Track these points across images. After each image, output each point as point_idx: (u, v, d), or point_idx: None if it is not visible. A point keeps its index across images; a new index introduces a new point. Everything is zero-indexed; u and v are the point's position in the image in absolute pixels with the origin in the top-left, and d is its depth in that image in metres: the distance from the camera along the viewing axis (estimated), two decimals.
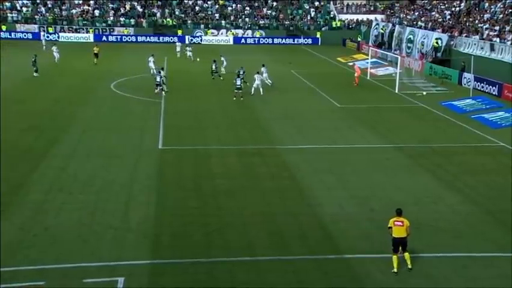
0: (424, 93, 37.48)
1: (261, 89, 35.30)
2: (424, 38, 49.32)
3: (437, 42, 47.40)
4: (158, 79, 34.35)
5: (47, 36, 63.31)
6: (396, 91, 37.78)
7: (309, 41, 69.34)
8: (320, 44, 68.79)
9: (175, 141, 25.07)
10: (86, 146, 23.89)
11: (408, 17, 62.64)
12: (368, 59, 48.50)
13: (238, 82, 33.71)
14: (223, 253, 14.73)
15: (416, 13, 62.16)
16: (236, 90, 33.67)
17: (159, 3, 72.10)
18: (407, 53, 51.42)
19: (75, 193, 18.47)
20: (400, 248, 13.91)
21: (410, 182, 20.46)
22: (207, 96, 34.89)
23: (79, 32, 66.29)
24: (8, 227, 15.84)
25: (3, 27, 64.64)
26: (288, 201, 18.45)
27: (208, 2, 73.56)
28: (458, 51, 44.80)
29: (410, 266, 13.96)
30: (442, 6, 58.69)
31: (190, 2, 73.35)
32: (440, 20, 54.98)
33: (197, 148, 24.03)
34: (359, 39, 65.56)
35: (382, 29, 59.79)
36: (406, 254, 13.97)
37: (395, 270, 13.80)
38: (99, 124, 27.67)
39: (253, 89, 35.07)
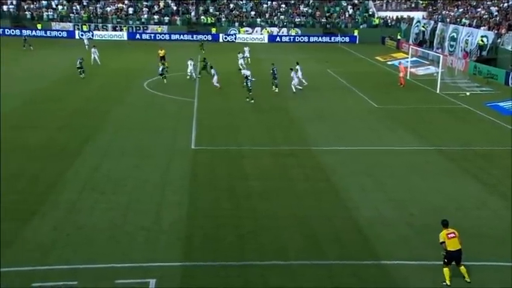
0: (467, 93, 36.28)
1: (293, 87, 34.88)
2: (468, 36, 47.83)
3: (482, 40, 45.88)
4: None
5: (82, 34, 64.21)
6: (438, 91, 36.71)
7: (347, 39, 68.36)
8: (357, 42, 67.74)
9: (207, 141, 24.88)
10: (119, 145, 23.94)
11: (452, 14, 60.92)
12: (408, 57, 47.37)
13: (249, 84, 33.05)
14: (256, 256, 14.47)
15: (460, 10, 60.40)
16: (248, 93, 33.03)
17: (193, 0, 72.35)
18: (449, 52, 50.00)
19: (108, 193, 18.46)
20: (447, 272, 13.19)
21: (452, 186, 19.71)
22: (239, 96, 34.60)
23: (113, 30, 67.08)
24: (42, 226, 15.94)
25: (39, 26, 65.99)
26: (323, 203, 18.02)
27: (243, 0, 73.40)
28: (506, 50, 43.23)
29: (469, 280, 13.29)
30: (488, 2, 56.82)
31: (225, 0, 73.35)
32: (486, 16, 53.22)
33: (230, 148, 23.78)
34: (398, 37, 64.25)
35: (423, 26, 58.37)
36: (463, 268, 13.26)
37: (448, 282, 13.15)
38: (132, 123, 27.75)
39: (293, 88, 34.95)
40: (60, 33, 65.96)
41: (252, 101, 32.41)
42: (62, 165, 20.96)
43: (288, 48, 61.29)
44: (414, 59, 48.71)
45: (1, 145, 23.23)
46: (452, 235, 13.17)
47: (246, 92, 33.09)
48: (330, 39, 68.17)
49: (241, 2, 73.24)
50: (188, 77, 39.60)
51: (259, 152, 23.25)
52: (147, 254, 14.45)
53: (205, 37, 65.68)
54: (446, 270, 13.21)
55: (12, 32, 64.82)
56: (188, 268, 13.87)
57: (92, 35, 65.65)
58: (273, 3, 73.24)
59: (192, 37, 66.78)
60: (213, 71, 36.51)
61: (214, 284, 13.17)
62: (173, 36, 66.87)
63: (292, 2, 73.64)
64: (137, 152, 22.90)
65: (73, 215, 16.72)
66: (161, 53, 44.08)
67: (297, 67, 37.54)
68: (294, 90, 34.95)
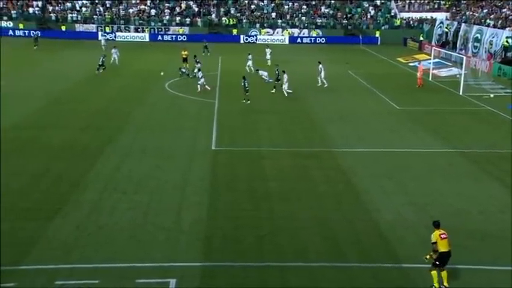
0: (491, 95, 35.73)
1: (284, 92, 34.47)
2: (493, 37, 47.11)
3: (507, 41, 45.15)
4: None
5: (105, 35, 64.85)
6: (461, 93, 36.24)
7: (368, 40, 67.85)
8: (379, 43, 67.20)
9: (228, 142, 24.95)
10: (140, 145, 24.15)
11: (476, 14, 60.06)
12: (430, 59, 46.86)
13: (246, 85, 32.40)
14: (275, 257, 14.47)
15: (485, 10, 59.52)
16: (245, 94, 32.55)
17: (215, 2, 72.59)
18: (473, 53, 49.33)
19: (129, 193, 18.63)
20: (436, 275, 13.01)
21: (475, 189, 19.44)
22: (259, 97, 34.60)
23: (135, 32, 67.62)
24: (65, 225, 16.15)
25: (63, 27, 66.87)
26: (344, 205, 17.93)
27: (264, 1, 73.40)
28: None
29: (447, 285, 13.05)
30: None
31: (246, 1, 73.43)
32: None
33: (250, 149, 23.80)
34: (421, 38, 63.55)
35: (447, 27, 57.67)
36: (444, 273, 13.05)
37: (436, 285, 13.04)
38: (153, 124, 27.96)
39: (285, 92, 34.42)
40: (84, 35, 66.60)
41: (248, 101, 32.18)
42: (85, 165, 21.23)
43: (309, 50, 61.11)
44: (436, 60, 48.18)
45: (26, 145, 23.71)
46: (444, 236, 13.00)
47: (258, 91, 33.13)
48: (351, 40, 67.69)
49: (262, 3, 73.25)
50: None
51: (279, 153, 23.23)
52: (167, 253, 14.56)
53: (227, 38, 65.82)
54: (434, 273, 13.05)
55: (33, 33, 65.73)
56: (208, 268, 13.93)
57: (115, 36, 66.31)
58: (294, 4, 73.09)
59: (213, 38, 66.64)
60: (200, 74, 36.10)
61: (233, 285, 13.20)
62: (195, 38, 67.05)
63: (314, 3, 73.39)
64: (158, 153, 23.07)
65: (94, 214, 16.91)
66: (184, 54, 44.34)
67: (320, 66, 37.52)
68: (286, 95, 34.26)
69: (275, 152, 23.40)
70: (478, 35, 49.56)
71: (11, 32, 65.59)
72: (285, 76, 34.49)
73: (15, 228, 15.84)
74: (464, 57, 40.63)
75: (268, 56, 47.20)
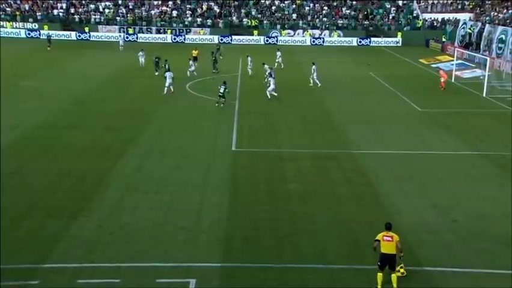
0: None
1: (268, 94, 34.00)
2: None
3: None
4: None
5: (126, 37, 65.37)
6: (484, 95, 35.73)
7: (390, 41, 67.32)
8: (401, 44, 66.60)
9: (248, 143, 24.98)
10: (161, 146, 24.31)
11: (501, 15, 59.12)
12: (453, 60, 46.27)
13: (221, 90, 31.36)
14: (295, 259, 14.46)
15: (510, 11, 58.54)
16: (219, 98, 31.53)
17: (236, 3, 72.74)
18: (497, 54, 48.55)
19: (150, 193, 18.77)
20: (389, 266, 12.96)
21: (499, 193, 19.12)
22: (280, 98, 34.56)
23: (157, 33, 68.04)
24: (87, 224, 16.34)
25: (86, 29, 67.71)
26: (364, 208, 17.80)
27: (285, 2, 73.33)
28: None
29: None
30: None
31: (267, 2, 73.43)
32: None
33: (270, 151, 23.79)
34: (443, 39, 62.80)
35: (470, 28, 56.88)
36: (393, 276, 12.94)
37: (378, 286, 12.93)
38: (174, 124, 28.13)
39: (268, 94, 33.98)
40: (107, 36, 67.19)
41: (222, 105, 31.37)
42: (107, 164, 21.46)
43: (330, 51, 60.84)
44: (459, 61, 47.52)
45: (50, 145, 24.06)
46: (388, 239, 12.98)
47: (278, 92, 32.99)
48: (373, 41, 67.20)
49: (283, 5, 73.19)
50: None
51: (299, 155, 23.18)
52: (187, 253, 14.63)
53: (248, 40, 65.78)
54: (379, 275, 12.96)
55: (62, 35, 66.72)
56: (228, 269, 13.96)
57: (137, 38, 66.87)
58: (315, 5, 72.88)
59: (231, 40, 66.69)
60: (168, 74, 35.17)
61: (252, 286, 13.21)
62: (216, 39, 67.26)
63: (335, 4, 73.08)
64: (178, 153, 23.20)
65: (116, 213, 17.09)
66: (195, 53, 44.80)
67: (313, 67, 37.58)
68: (269, 97, 33.76)
69: (295, 154, 23.35)
70: (503, 36, 48.77)
71: (33, 34, 66.43)
72: (271, 80, 34.33)
73: (39, 226, 16.09)
74: (488, 59, 40.04)
75: (279, 60, 46.22)
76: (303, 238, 15.62)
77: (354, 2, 72.96)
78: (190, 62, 41.69)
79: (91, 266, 13.94)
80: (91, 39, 66.40)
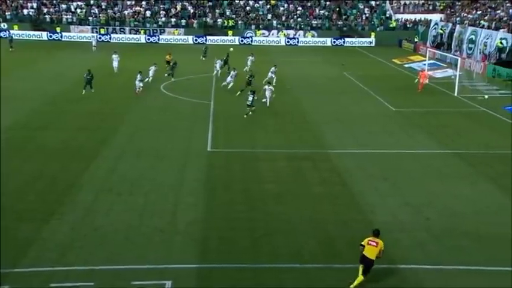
0: (486, 96, 35.84)
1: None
2: (487, 38, 47.26)
3: (501, 43, 45.31)
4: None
5: (99, 38, 64.49)
6: (456, 94, 36.38)
7: (363, 41, 67.98)
8: (374, 44, 67.33)
9: (224, 144, 24.94)
10: (135, 147, 24.10)
11: (470, 16, 60.29)
12: (425, 60, 46.98)
13: (250, 99, 29.55)
14: (271, 259, 14.48)
15: (479, 12, 59.75)
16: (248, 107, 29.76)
17: (210, 3, 72.53)
18: (468, 54, 49.47)
19: (124, 194, 18.59)
20: (361, 268, 13.15)
21: (470, 191, 19.50)
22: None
23: (131, 33, 67.34)
24: (61, 226, 16.10)
25: (58, 29, 66.62)
26: (339, 207, 17.94)
27: (260, 2, 73.40)
28: None
29: (352, 287, 13.12)
30: (508, 4, 56.09)
31: (241, 2, 73.41)
32: (506, 18, 52.55)
33: (246, 151, 23.79)
34: (416, 40, 63.72)
35: (441, 29, 57.83)
36: (361, 277, 13.11)
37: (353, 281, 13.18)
38: (148, 125, 27.91)
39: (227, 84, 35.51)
40: (79, 37, 66.23)
41: (251, 113, 30.27)
42: (80, 166, 21.16)
43: (304, 51, 61.14)
44: (431, 61, 48.28)
45: (21, 146, 23.64)
46: (373, 243, 13.19)
47: None
48: (347, 42, 67.77)
49: (257, 5, 73.27)
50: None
51: (275, 155, 23.23)
52: (163, 255, 14.54)
53: (222, 40, 65.48)
54: (359, 269, 13.18)
55: (31, 35, 65.55)
56: (204, 270, 13.92)
57: (110, 38, 66.11)
58: (290, 6, 73.16)
59: (206, 40, 66.37)
60: (139, 77, 35.12)
61: (228, 286, 13.19)
62: (190, 40, 66.94)
63: (309, 4, 73.49)
64: (153, 154, 23.02)
65: (90, 216, 16.87)
66: (169, 58, 43.89)
67: (273, 69, 37.92)
68: (228, 86, 35.30)
69: (271, 154, 23.39)
70: (473, 37, 49.73)
71: (1, 34, 64.90)
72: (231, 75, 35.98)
73: (11, 229, 15.77)
74: (459, 59, 40.82)
75: (249, 63, 44.75)
76: (279, 238, 15.65)
77: (328, 3, 73.46)
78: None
79: (64, 270, 13.73)
80: (63, 39, 65.37)
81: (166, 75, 40.15)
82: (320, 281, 13.50)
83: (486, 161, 22.73)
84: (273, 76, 37.96)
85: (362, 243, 13.35)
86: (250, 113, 29.63)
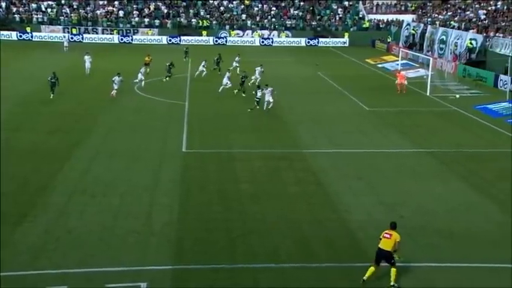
0: (457, 96, 36.50)
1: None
2: (458, 39, 48.12)
3: (471, 43, 46.20)
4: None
5: (71, 38, 63.50)
6: (428, 94, 36.95)
7: (337, 41, 68.49)
8: (348, 45, 67.90)
9: (199, 144, 24.85)
10: (109, 148, 23.85)
11: (441, 17, 61.35)
12: (398, 60, 47.59)
13: (259, 94, 30.54)
14: (247, 259, 14.47)
15: (449, 13, 60.84)
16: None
17: (184, 4, 72.17)
18: (439, 55, 50.27)
19: (98, 196, 18.36)
20: (385, 261, 13.29)
21: (442, 189, 19.79)
22: (231, 99, 34.59)
23: (103, 33, 66.53)
24: (33, 229, 15.82)
25: (28, 29, 65.43)
26: (315, 207, 18.03)
27: (234, 2, 73.34)
28: (494, 53, 43.55)
29: (392, 283, 13.20)
30: (476, 6, 57.25)
31: (216, 3, 73.25)
32: (475, 19, 53.62)
33: (221, 151, 23.75)
34: (388, 40, 64.51)
35: (413, 29, 58.68)
36: (392, 269, 13.27)
37: (365, 278, 13.27)
38: (123, 126, 27.64)
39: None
40: (50, 37, 65.12)
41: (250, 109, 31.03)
42: (53, 168, 20.83)
43: (278, 51, 61.29)
44: (404, 61, 48.93)
45: None
46: (387, 236, 13.35)
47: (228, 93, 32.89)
48: (321, 42, 68.18)
49: (231, 5, 73.20)
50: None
51: (250, 155, 23.23)
52: (138, 257, 14.38)
53: (196, 40, 65.22)
54: (371, 268, 13.30)
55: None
56: (179, 271, 13.82)
57: (82, 38, 65.21)
58: (264, 6, 73.30)
59: (180, 40, 66.02)
60: (117, 78, 33.56)
61: (205, 287, 13.11)
62: (164, 40, 66.44)
63: (283, 5, 73.74)
64: (128, 155, 22.80)
65: (63, 218, 16.61)
66: (148, 60, 43.11)
67: (259, 68, 37.88)
68: (226, 87, 35.18)
69: (246, 154, 23.39)
70: (444, 37, 50.56)
71: None
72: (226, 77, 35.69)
73: None
74: (431, 59, 41.41)
75: (236, 64, 44.07)
76: (255, 238, 15.65)
77: (302, 3, 73.82)
78: (142, 70, 38.59)
79: (36, 273, 13.48)
80: (34, 39, 64.21)
81: (164, 79, 39.41)
82: (296, 280, 13.53)
83: (458, 160, 23.13)
84: (258, 77, 37.62)
85: (380, 236, 13.44)
86: (258, 107, 30.33)
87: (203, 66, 41.11)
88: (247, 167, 21.70)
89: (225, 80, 35.58)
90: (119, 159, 22.19)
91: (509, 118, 30.57)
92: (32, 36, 64.62)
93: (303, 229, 16.34)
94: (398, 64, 45.88)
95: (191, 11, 71.53)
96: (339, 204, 18.21)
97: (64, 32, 65.30)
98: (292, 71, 46.93)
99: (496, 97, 35.92)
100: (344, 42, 68.51)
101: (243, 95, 34.65)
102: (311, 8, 72.69)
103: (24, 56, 51.72)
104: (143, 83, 36.89)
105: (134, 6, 71.11)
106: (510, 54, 39.82)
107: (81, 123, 27.70)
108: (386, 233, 13.43)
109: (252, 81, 37.28)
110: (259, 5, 73.37)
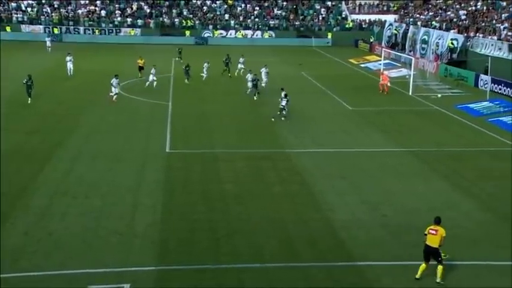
0: (439, 95, 36.87)
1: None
2: (439, 39, 48.60)
3: (452, 43, 46.69)
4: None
5: (54, 38, 62.72)
6: (410, 93, 37.25)
7: (320, 41, 68.71)
8: (331, 44, 68.19)
9: (182, 145, 24.75)
10: (91, 149, 23.64)
11: (422, 17, 61.92)
12: (380, 60, 47.90)
13: (284, 103, 29.05)
14: (231, 259, 14.45)
15: (431, 13, 61.42)
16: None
17: (167, 3, 71.81)
18: (421, 54, 50.72)
19: (80, 197, 18.19)
20: (433, 258, 13.40)
21: (424, 188, 19.97)
22: (214, 99, 34.52)
23: (85, 33, 65.93)
24: (13, 231, 15.62)
25: (8, 28, 64.50)
26: (298, 206, 18.06)
27: (217, 2, 73.17)
28: (475, 52, 44.08)
29: (438, 280, 13.39)
30: (457, 6, 57.90)
31: (198, 2, 73.01)
32: (456, 20, 54.23)
33: (205, 152, 23.69)
34: (371, 40, 64.93)
35: (395, 29, 59.13)
36: (439, 267, 13.42)
37: (417, 276, 13.44)
38: (105, 127, 27.43)
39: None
40: (30, 36, 64.23)
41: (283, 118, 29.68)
42: (33, 169, 20.59)
43: (262, 51, 61.23)
44: (387, 61, 49.27)
45: None
46: (433, 232, 13.38)
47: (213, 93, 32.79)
48: (304, 42, 68.29)
49: (214, 5, 73.04)
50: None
51: (233, 155, 23.20)
52: (121, 258, 14.28)
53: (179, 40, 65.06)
54: (421, 266, 13.43)
55: None
56: (163, 272, 13.75)
57: (62, 38, 64.43)
58: (247, 6, 73.27)
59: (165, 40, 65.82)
60: (115, 81, 32.40)
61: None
62: (147, 40, 65.99)
63: (266, 4, 73.79)
64: (110, 156, 22.62)
65: (44, 220, 16.43)
66: (141, 62, 42.66)
67: (264, 69, 37.76)
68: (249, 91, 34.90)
69: (230, 154, 23.36)
70: (425, 37, 51.03)
71: None
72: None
73: None
74: (413, 59, 41.78)
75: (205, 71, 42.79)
76: (239, 238, 15.64)
77: (285, 3, 73.93)
78: (152, 70, 37.49)
79: (16, 276, 13.30)
80: (14, 38, 63.30)
81: (186, 81, 39.09)
82: (280, 280, 13.54)
83: (439, 159, 23.36)
84: (265, 78, 37.18)
85: (425, 232, 13.43)
86: (283, 118, 28.84)
87: (205, 70, 40.28)
88: (231, 167, 21.66)
89: (249, 84, 34.91)
90: (102, 160, 22.01)
91: (489, 117, 30.96)
92: (14, 36, 63.60)
93: (287, 229, 16.36)
94: (380, 64, 46.17)
95: (174, 10, 71.20)
96: (323, 203, 18.27)
97: (45, 32, 64.51)
98: (275, 70, 46.71)
99: (476, 96, 36.37)
100: (327, 42, 68.76)
101: (255, 98, 34.27)
102: (294, 8, 72.91)
103: (4, 56, 50.91)
104: (155, 83, 36.52)
105: (117, 5, 70.54)
106: (490, 54, 40.35)
107: (63, 124, 27.43)
108: (431, 229, 13.40)
109: (263, 84, 36.74)
110: (243, 5, 73.34)
